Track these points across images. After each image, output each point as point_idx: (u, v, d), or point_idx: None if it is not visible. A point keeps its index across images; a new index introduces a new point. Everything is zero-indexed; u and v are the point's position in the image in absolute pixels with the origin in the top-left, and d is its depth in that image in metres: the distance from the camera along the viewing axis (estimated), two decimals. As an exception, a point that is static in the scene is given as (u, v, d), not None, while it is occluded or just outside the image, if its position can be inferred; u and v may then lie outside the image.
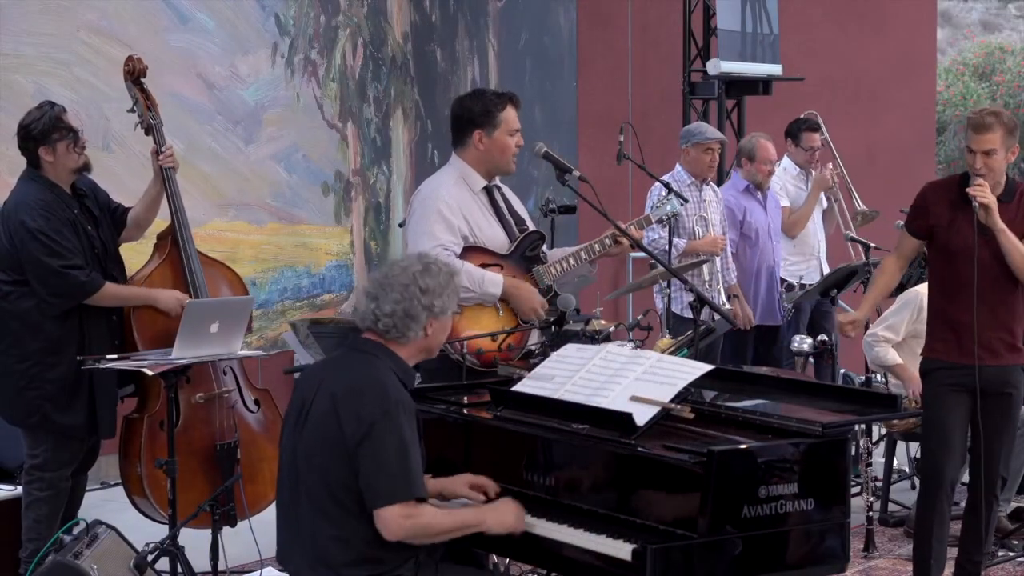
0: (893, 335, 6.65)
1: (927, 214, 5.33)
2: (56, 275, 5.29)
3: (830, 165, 8.31)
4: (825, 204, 8.40)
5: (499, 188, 5.30)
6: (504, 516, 3.85)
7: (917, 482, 7.28)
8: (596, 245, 5.31)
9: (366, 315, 3.87)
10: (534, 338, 5.18)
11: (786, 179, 8.33)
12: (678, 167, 7.57)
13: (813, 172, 8.33)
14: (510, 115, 5.19)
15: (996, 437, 5.28)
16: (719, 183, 8.29)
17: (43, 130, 5.35)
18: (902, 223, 7.16)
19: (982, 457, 5.28)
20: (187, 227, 5.65)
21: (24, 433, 5.44)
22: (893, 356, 6.62)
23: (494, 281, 5.05)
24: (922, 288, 6.61)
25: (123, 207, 5.67)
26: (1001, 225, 5.13)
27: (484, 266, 5.08)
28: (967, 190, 5.13)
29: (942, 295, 5.34)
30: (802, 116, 8.54)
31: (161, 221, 5.77)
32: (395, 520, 3.69)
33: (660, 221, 6.32)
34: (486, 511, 3.88)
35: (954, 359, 5.25)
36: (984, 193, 5.10)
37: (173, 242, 5.65)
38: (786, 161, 8.41)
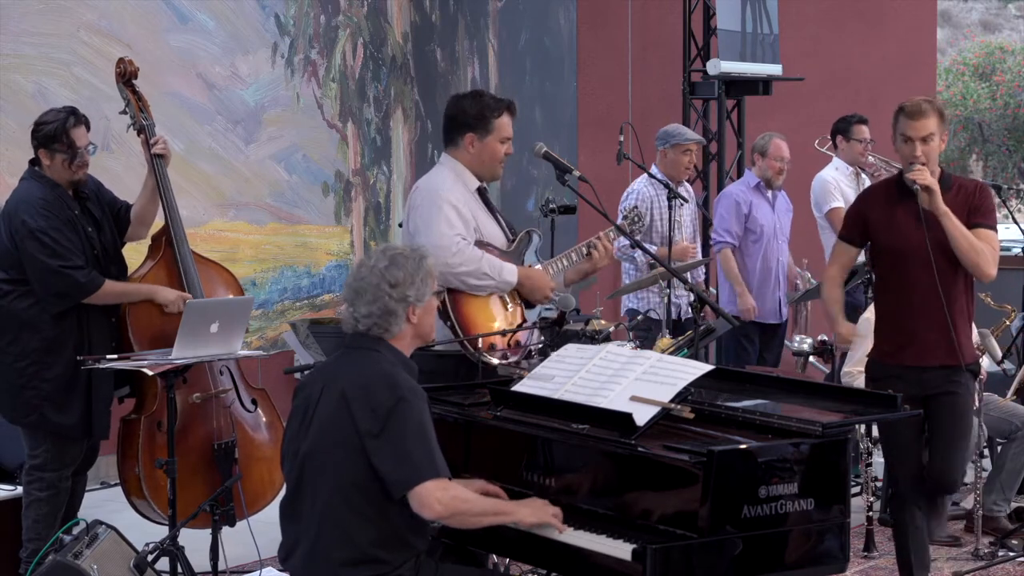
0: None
1: (864, 220, 5.21)
2: (55, 275, 5.28)
3: (882, 171, 8.26)
4: None
5: (486, 189, 5.32)
6: (539, 512, 3.84)
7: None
8: (583, 248, 5.29)
9: (347, 320, 3.94)
10: (532, 339, 5.18)
11: (840, 179, 8.24)
12: (653, 168, 7.56)
13: (863, 170, 8.29)
14: (504, 122, 5.14)
15: (949, 439, 5.12)
16: (717, 186, 8.30)
17: (47, 135, 5.34)
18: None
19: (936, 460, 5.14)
20: (181, 228, 5.64)
21: (24, 433, 5.44)
22: None
23: (511, 270, 5.07)
24: (869, 313, 6.61)
25: (127, 204, 5.67)
26: (944, 208, 4.97)
27: None
28: (906, 176, 5.01)
29: (888, 297, 5.22)
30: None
31: (157, 222, 5.77)
32: (432, 495, 3.70)
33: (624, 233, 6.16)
34: (520, 504, 3.89)
35: (902, 361, 5.12)
36: (924, 176, 4.96)
37: (167, 243, 5.64)
38: (837, 161, 8.32)
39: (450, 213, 5.00)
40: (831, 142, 8.45)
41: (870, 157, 8.31)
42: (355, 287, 3.90)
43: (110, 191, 5.66)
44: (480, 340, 4.91)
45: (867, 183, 8.29)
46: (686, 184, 7.75)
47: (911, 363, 5.11)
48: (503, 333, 5.01)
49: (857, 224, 5.28)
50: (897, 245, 5.11)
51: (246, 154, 8.24)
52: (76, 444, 5.45)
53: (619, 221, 5.80)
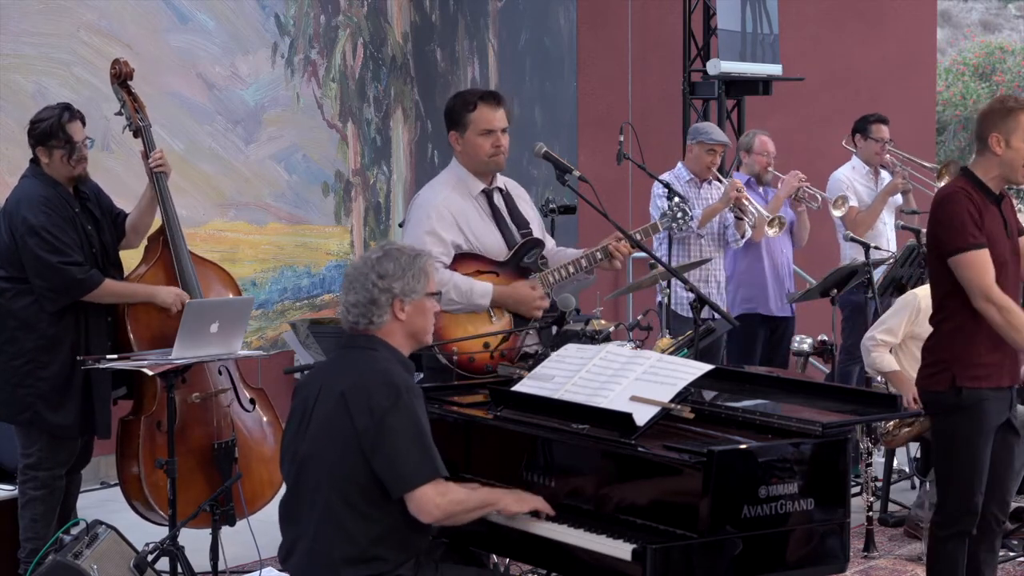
0: (891, 338, 6.60)
1: (981, 223, 4.69)
2: (55, 271, 5.28)
3: (898, 170, 8.26)
4: (901, 202, 8.31)
5: (501, 190, 5.24)
6: (523, 499, 3.87)
7: (917, 482, 7.28)
8: (598, 253, 5.24)
9: (341, 311, 3.96)
10: (531, 340, 5.15)
11: (854, 178, 8.28)
12: (680, 164, 7.67)
13: (883, 168, 8.32)
14: (480, 115, 5.06)
15: (1008, 467, 4.91)
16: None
17: (44, 132, 5.36)
18: (903, 224, 6.96)
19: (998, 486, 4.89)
20: (178, 228, 5.64)
21: (17, 431, 5.44)
22: (890, 362, 6.53)
23: (483, 291, 4.98)
24: (920, 291, 6.58)
25: (124, 213, 5.68)
26: None
27: (479, 273, 5.03)
28: None
29: (975, 314, 4.70)
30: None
31: (155, 221, 5.77)
32: (431, 500, 3.72)
33: (668, 230, 6.22)
34: (505, 493, 3.91)
35: (997, 383, 4.75)
36: None
37: (164, 243, 5.64)
38: (855, 160, 8.38)
39: (425, 235, 4.97)
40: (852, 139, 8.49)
41: (888, 156, 8.35)
42: (349, 276, 3.96)
43: (108, 197, 5.67)
44: (456, 349, 4.89)
45: (885, 181, 8.32)
46: (715, 182, 7.73)
47: (1008, 383, 4.79)
48: (498, 334, 4.99)
49: (980, 228, 4.69)
50: (994, 255, 4.69)
51: (246, 154, 8.24)
52: (70, 443, 5.45)
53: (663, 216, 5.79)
